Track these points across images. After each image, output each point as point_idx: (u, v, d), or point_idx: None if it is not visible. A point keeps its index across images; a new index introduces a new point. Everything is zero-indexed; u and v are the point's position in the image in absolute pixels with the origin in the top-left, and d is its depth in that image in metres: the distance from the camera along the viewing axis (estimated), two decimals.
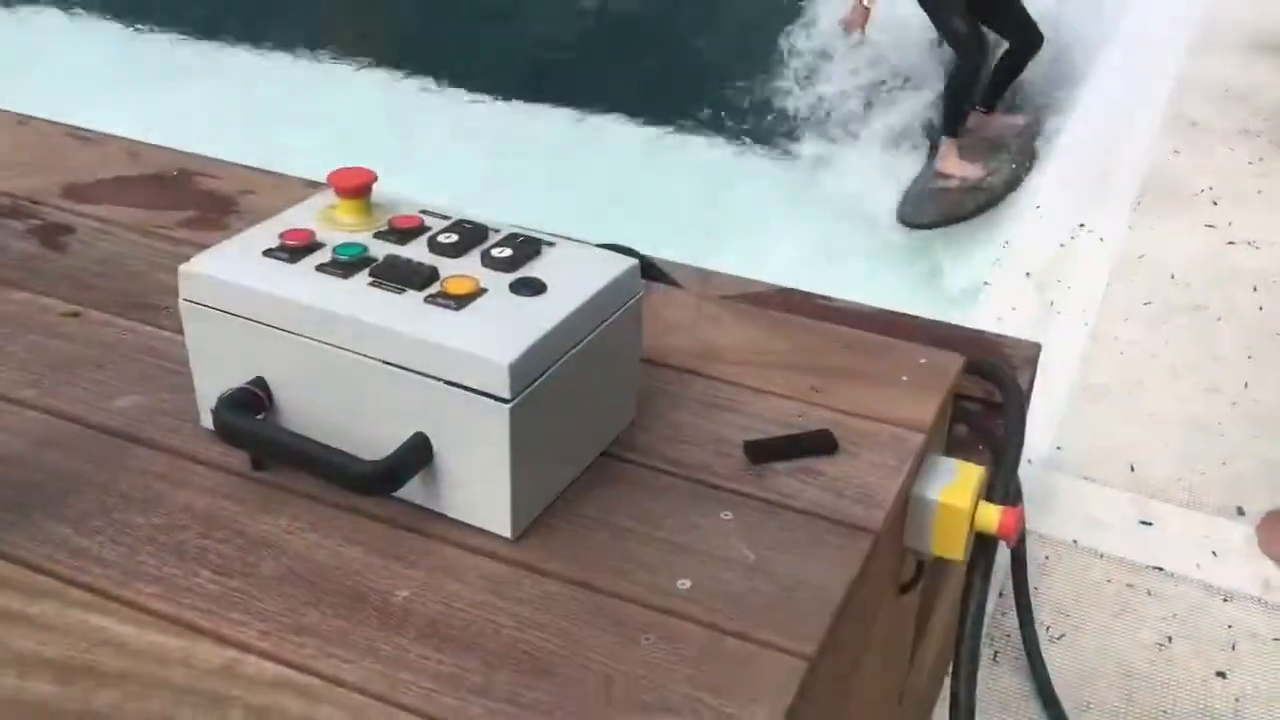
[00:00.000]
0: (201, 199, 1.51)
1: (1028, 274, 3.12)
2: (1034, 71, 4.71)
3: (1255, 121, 3.98)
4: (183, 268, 1.02)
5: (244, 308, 1.00)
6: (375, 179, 1.09)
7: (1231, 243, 3.26)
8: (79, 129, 1.74)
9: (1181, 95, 4.17)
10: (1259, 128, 3.94)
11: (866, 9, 4.43)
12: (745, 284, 2.15)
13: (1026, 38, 4.55)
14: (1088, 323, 2.90)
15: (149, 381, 1.15)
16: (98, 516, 0.98)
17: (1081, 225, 3.34)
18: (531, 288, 1.00)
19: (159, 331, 1.22)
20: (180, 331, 1.05)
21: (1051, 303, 3.00)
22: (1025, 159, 4.44)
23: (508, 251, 1.04)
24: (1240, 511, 2.28)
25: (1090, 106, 4.14)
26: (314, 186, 1.59)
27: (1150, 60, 4.47)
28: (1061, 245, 3.25)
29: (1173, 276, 3.10)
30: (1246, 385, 2.68)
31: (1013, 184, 4.33)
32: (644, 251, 1.41)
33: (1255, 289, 3.04)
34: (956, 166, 4.54)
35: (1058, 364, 2.74)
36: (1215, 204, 3.46)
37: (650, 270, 1.42)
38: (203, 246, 1.36)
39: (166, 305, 1.27)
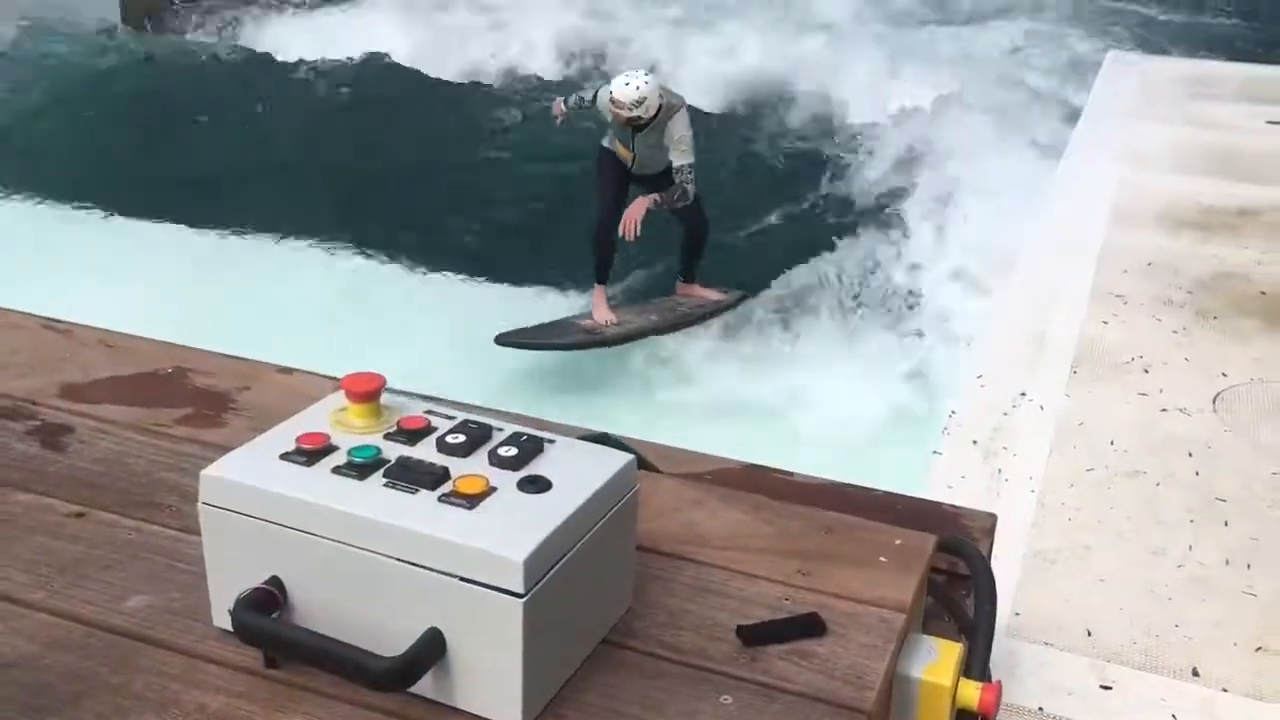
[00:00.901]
0: (197, 396, 1.56)
1: (974, 442, 3.24)
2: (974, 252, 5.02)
3: (1178, 293, 4.21)
4: (204, 473, 1.07)
5: (264, 510, 1.04)
6: (385, 384, 1.16)
7: (1164, 410, 3.41)
8: (52, 320, 1.79)
9: (1107, 269, 4.41)
10: (1181, 299, 4.17)
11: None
12: (713, 461, 2.22)
13: (695, 224, 5.68)
14: (1034, 490, 3.01)
15: (158, 581, 1.18)
16: (112, 718, 1.00)
17: (1023, 394, 3.48)
18: (537, 485, 1.06)
19: (164, 530, 1.26)
20: (186, 530, 1.09)
21: (999, 470, 3.10)
22: (675, 323, 5.67)
23: (513, 450, 1.10)
24: (1195, 673, 2.34)
25: (1024, 280, 4.36)
26: (305, 376, 1.66)
27: (1077, 237, 4.73)
28: (1004, 414, 3.38)
29: (1112, 443, 3.23)
30: (1190, 548, 2.78)
31: (632, 337, 5.55)
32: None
33: (1190, 454, 3.18)
34: (602, 313, 5.59)
35: (1009, 531, 2.82)
36: (1146, 371, 3.63)
37: (639, 459, 1.49)
38: (202, 444, 1.43)
39: (170, 504, 1.30)
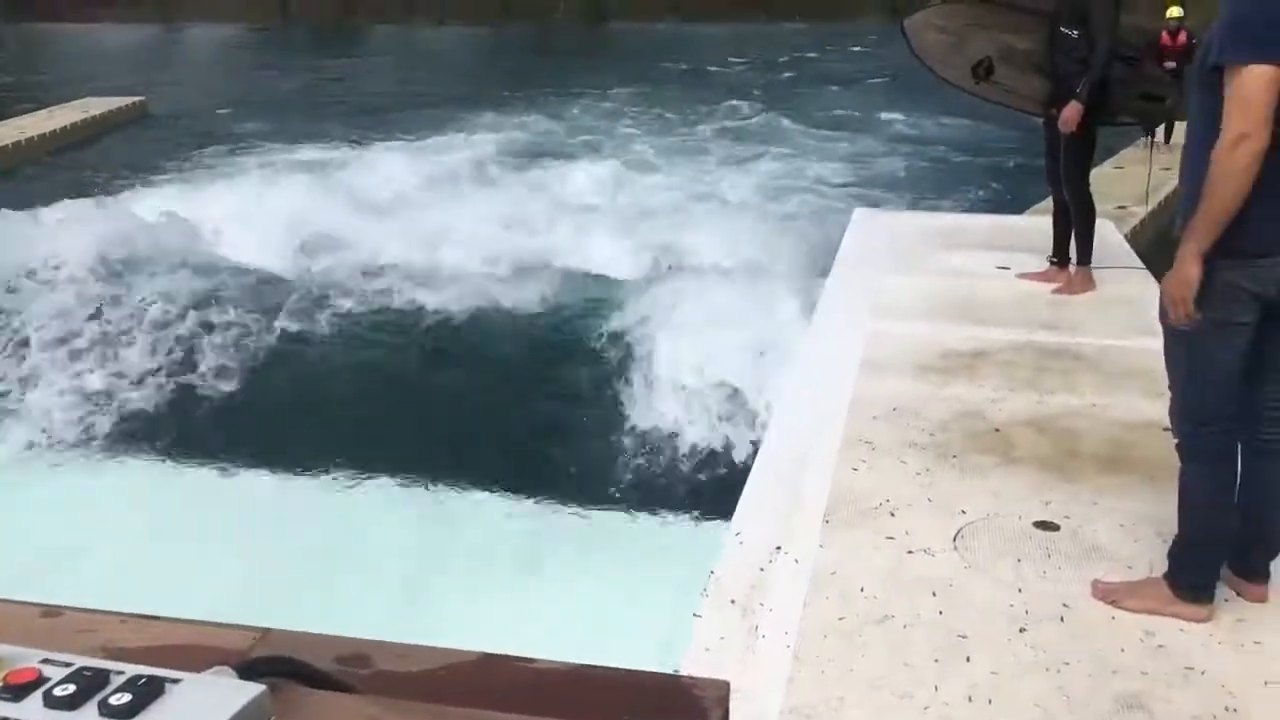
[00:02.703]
0: None
1: (733, 601, 3.28)
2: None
3: (921, 435, 4.45)
4: None
5: None
6: None
7: (910, 551, 3.56)
8: None
9: (857, 416, 4.63)
10: (924, 441, 4.40)
11: None
12: (447, 654, 2.17)
13: None
14: (790, 645, 3.06)
15: None
16: None
17: (778, 549, 3.57)
18: None
19: None
20: None
21: (756, 627, 3.15)
22: None
23: (127, 697, 1.05)
24: None
25: (778, 435, 4.52)
26: None
27: (829, 388, 4.95)
28: (761, 570, 3.46)
29: (862, 590, 3.33)
30: (936, 689, 2.87)
31: None
32: None
33: (934, 594, 3.31)
34: None
35: (764, 690, 2.86)
36: (893, 515, 3.79)
37: (315, 677, 1.44)
38: None
39: None
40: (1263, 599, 3.25)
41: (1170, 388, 3.10)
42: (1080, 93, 5.64)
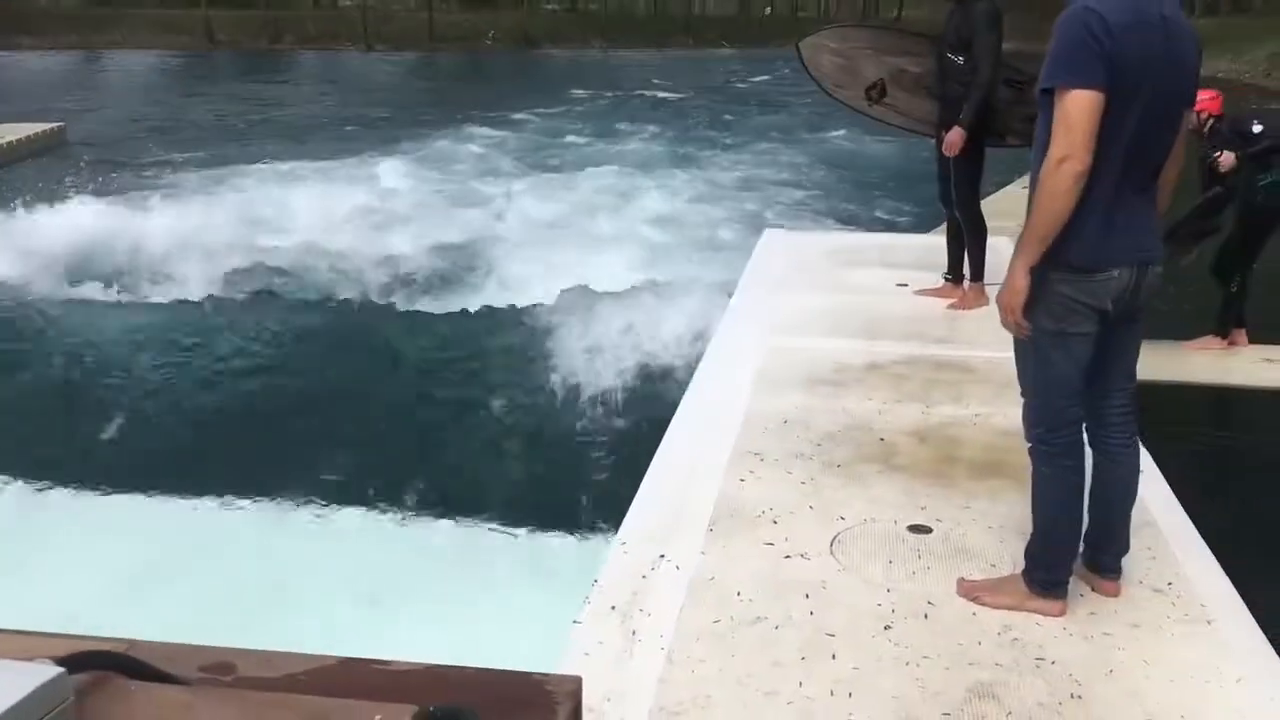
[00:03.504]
0: None
1: (613, 608, 3.39)
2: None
3: (808, 446, 4.60)
4: None
5: None
6: None
7: (787, 556, 3.69)
8: None
9: (749, 430, 4.77)
10: (811, 451, 4.55)
11: None
12: (307, 659, 2.25)
13: None
14: (664, 647, 3.17)
15: None
16: None
17: (662, 556, 3.69)
18: None
19: None
20: None
21: (633, 632, 3.26)
22: None
23: None
24: None
25: (671, 449, 4.64)
26: None
27: (724, 402, 5.10)
28: (643, 577, 3.57)
29: (738, 594, 3.46)
30: (800, 684, 3.00)
31: None
32: None
33: (807, 596, 3.44)
34: None
35: (636, 691, 2.97)
36: (775, 523, 3.92)
37: (141, 671, 1.52)
38: None
39: None
40: (1115, 593, 3.43)
41: (1021, 395, 3.28)
42: (963, 117, 5.87)
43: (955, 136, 5.89)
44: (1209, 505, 4.45)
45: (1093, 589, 3.45)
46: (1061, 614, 3.32)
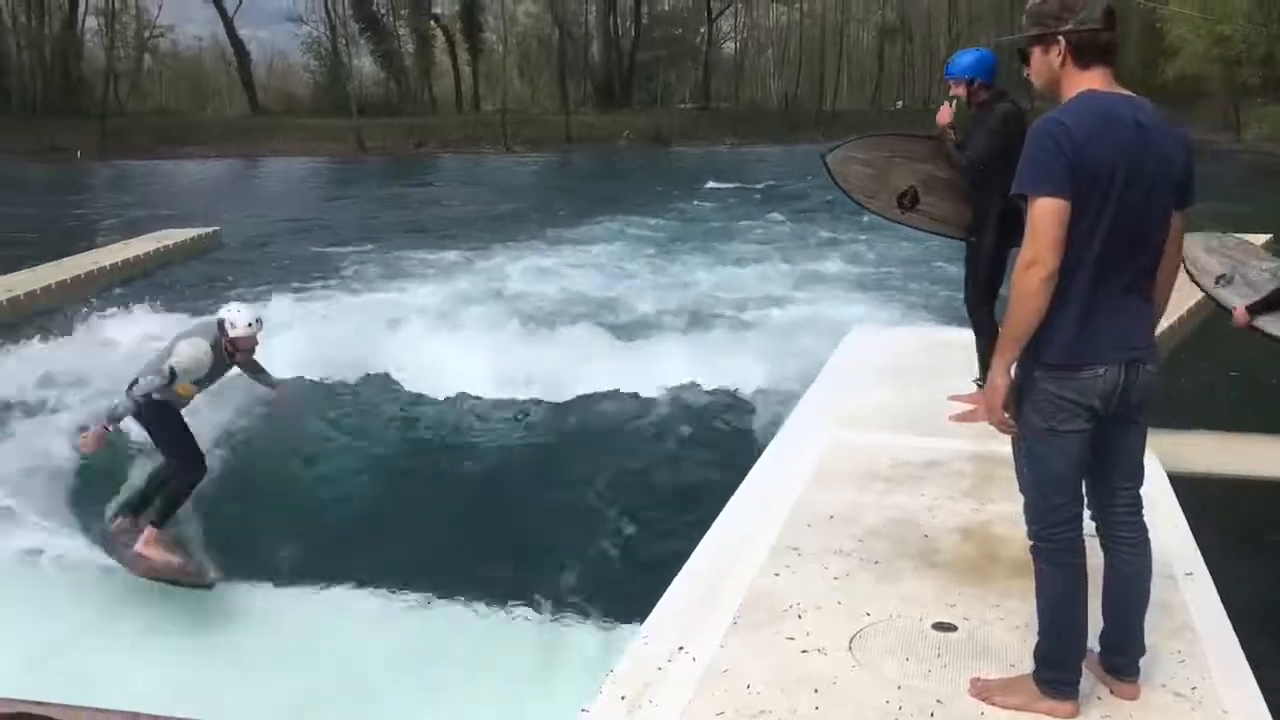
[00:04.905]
0: None
1: (622, 698, 3.49)
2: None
3: (850, 542, 4.63)
4: None
5: None
6: None
7: (805, 651, 3.73)
8: None
9: (794, 524, 4.83)
10: (851, 547, 4.58)
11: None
12: (94, 714, 2.46)
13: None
14: None
15: None
16: None
17: (680, 648, 3.77)
18: None
19: None
20: None
21: None
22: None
23: None
24: None
25: (713, 541, 4.73)
26: None
27: (775, 496, 5.17)
28: (659, 669, 3.65)
29: (748, 686, 3.51)
30: None
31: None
32: None
33: (816, 690, 3.48)
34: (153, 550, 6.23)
35: None
36: (800, 617, 3.97)
37: None
38: None
39: None
40: (1133, 697, 3.37)
41: (1020, 491, 3.30)
42: (956, 150, 5.90)
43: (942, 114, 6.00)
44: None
45: (1112, 692, 3.40)
46: (1072, 715, 3.28)
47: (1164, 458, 5.44)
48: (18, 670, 4.97)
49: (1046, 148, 2.91)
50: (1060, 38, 3.02)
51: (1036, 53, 3.09)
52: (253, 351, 6.65)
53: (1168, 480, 5.23)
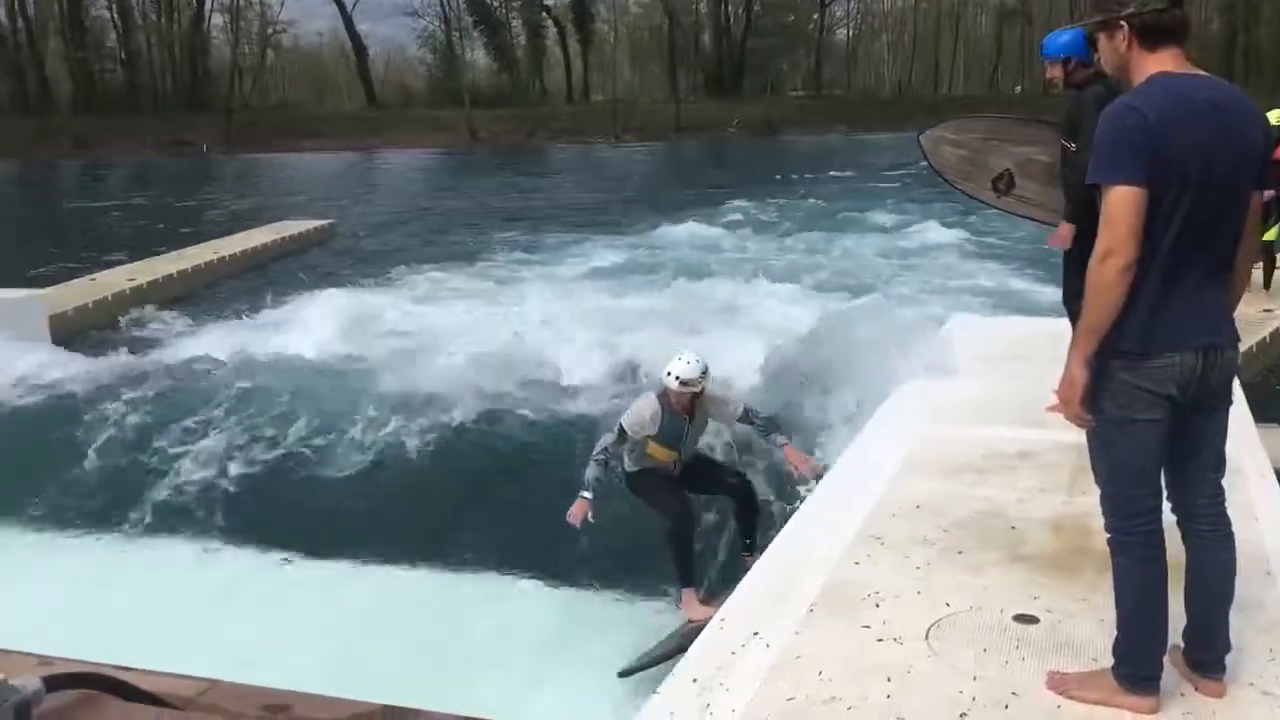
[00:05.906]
0: None
1: (694, 680, 3.52)
2: None
3: (934, 531, 4.58)
4: None
5: None
6: None
7: (880, 640, 3.72)
8: None
9: (879, 514, 4.80)
10: (936, 537, 4.53)
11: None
12: (354, 705, 2.55)
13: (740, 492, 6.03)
14: None
15: None
16: None
17: (755, 634, 3.79)
18: None
19: None
20: None
21: (708, 705, 3.38)
22: None
23: None
24: None
25: (796, 530, 4.73)
26: None
27: (861, 486, 5.14)
28: (733, 653, 3.68)
29: (820, 673, 3.52)
30: None
31: None
32: None
33: (889, 679, 3.47)
34: (700, 611, 5.43)
35: None
36: (877, 606, 3.96)
37: (131, 694, 1.85)
38: None
39: None
40: (1218, 694, 3.28)
41: (1096, 483, 3.23)
42: (1067, 209, 5.51)
43: (1063, 230, 5.47)
44: None
45: (1196, 689, 3.31)
46: (1153, 711, 3.21)
47: (1275, 456, 5.28)
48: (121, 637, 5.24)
49: (1119, 134, 2.84)
50: (1123, 22, 2.95)
51: (1103, 39, 3.02)
52: (691, 401, 5.80)
53: (1274, 475, 5.05)
